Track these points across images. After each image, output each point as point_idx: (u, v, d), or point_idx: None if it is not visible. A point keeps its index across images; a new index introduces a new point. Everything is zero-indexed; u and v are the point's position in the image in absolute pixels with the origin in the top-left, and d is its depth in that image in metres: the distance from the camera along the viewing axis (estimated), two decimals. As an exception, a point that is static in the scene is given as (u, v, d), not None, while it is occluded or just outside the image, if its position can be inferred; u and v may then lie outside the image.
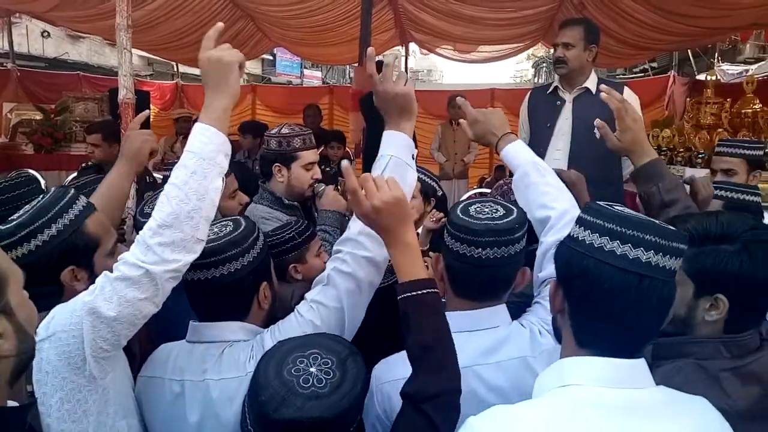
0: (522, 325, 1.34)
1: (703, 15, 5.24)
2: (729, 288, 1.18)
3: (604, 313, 0.94)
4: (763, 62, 10.59)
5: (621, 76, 13.62)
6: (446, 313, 1.29)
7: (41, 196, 1.41)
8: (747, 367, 1.18)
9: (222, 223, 1.41)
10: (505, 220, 1.27)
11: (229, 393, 1.24)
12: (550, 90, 3.26)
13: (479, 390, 1.25)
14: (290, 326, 1.32)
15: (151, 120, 7.10)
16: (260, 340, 1.31)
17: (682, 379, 1.17)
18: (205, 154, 1.23)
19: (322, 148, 5.27)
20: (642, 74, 12.49)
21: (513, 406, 0.95)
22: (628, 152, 1.88)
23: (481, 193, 4.84)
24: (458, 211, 1.32)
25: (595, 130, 3.04)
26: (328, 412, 0.99)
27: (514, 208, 1.33)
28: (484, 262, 1.26)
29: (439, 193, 2.73)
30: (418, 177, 2.69)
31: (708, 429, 0.96)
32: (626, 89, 3.11)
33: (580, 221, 0.98)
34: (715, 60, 11.87)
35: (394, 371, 1.28)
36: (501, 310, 1.34)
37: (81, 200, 1.43)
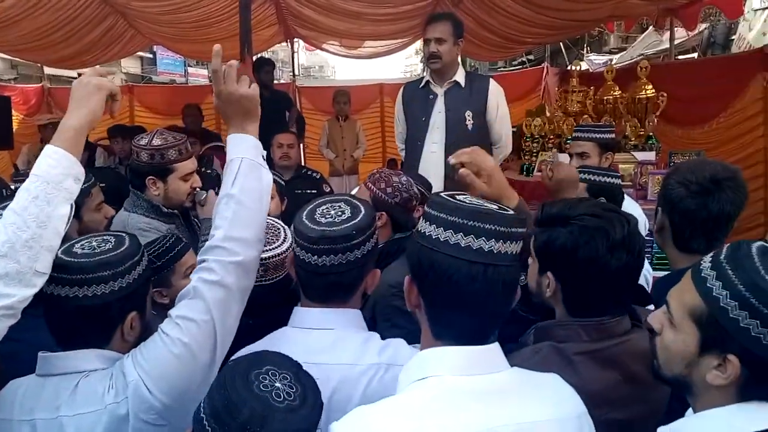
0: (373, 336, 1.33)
1: (568, 8, 5.60)
2: (558, 266, 1.24)
3: (455, 304, 0.96)
4: (624, 52, 11.55)
5: (502, 69, 14.32)
6: (295, 308, 1.33)
7: None
8: (605, 352, 1.21)
9: (103, 239, 1.30)
10: (344, 226, 1.25)
11: (86, 429, 1.14)
12: (422, 84, 3.36)
13: None
14: (154, 348, 1.22)
15: (14, 128, 6.52)
16: (120, 367, 1.21)
17: (538, 360, 1.21)
18: (51, 177, 1.14)
19: (204, 149, 5.07)
20: (520, 66, 13.21)
21: (375, 404, 0.95)
22: (498, 198, 1.96)
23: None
24: (303, 215, 1.30)
25: (468, 122, 3.19)
26: (305, 423, 0.97)
27: (362, 210, 1.30)
28: (321, 269, 1.25)
29: (327, 189, 2.72)
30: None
31: (561, 401, 1.00)
32: (491, 82, 3.28)
33: (426, 216, 1.00)
34: (584, 51, 12.81)
35: None
36: (345, 314, 1.32)
37: None
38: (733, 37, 8.82)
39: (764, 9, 8.03)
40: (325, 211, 1.29)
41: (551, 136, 4.83)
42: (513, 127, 6.04)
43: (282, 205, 2.68)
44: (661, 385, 1.11)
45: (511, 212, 0.98)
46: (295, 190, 3.07)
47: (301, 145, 6.31)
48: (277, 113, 5.48)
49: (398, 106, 3.52)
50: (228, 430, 0.98)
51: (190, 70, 21.59)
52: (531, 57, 13.65)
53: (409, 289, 1.03)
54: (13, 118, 6.40)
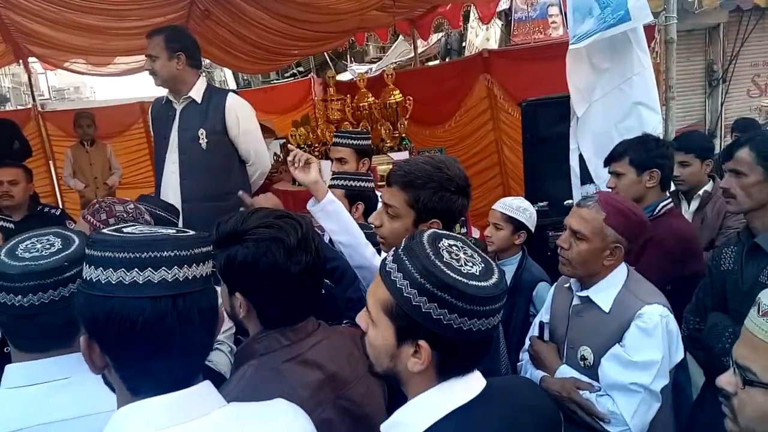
0: None
1: (318, 20, 5.81)
2: (244, 284, 1.23)
3: (149, 351, 0.86)
4: (381, 60, 12.47)
5: (275, 81, 14.40)
6: (7, 367, 1.14)
7: None
8: (307, 354, 1.24)
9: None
10: (54, 258, 1.12)
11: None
12: (165, 101, 3.19)
13: None
14: None
15: None
16: None
17: (245, 383, 1.18)
18: None
19: None
20: (292, 78, 13.42)
21: None
22: None
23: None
24: (2, 253, 1.13)
25: (201, 141, 3.06)
26: None
27: (75, 240, 1.19)
28: (28, 310, 1.10)
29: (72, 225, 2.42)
30: None
31: (285, 427, 0.98)
32: (230, 96, 3.20)
33: (89, 260, 0.87)
34: (348, 61, 13.53)
35: None
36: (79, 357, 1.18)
37: None
38: (464, 44, 10.09)
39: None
40: (29, 246, 1.15)
41: (317, 145, 4.98)
42: (283, 137, 6.18)
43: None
44: (367, 381, 1.17)
45: (191, 233, 0.92)
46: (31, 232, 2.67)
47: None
48: (4, 145, 4.73)
49: (148, 124, 3.34)
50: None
51: None
52: (301, 69, 13.96)
53: (89, 351, 0.89)
54: None
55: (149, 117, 3.37)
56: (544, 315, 2.13)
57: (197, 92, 3.11)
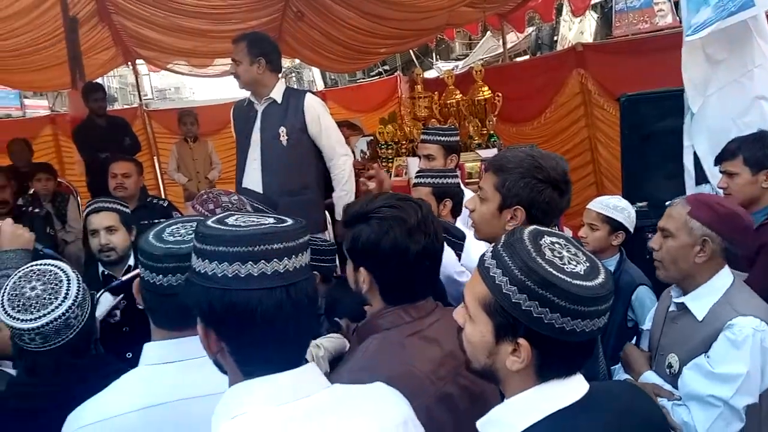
0: None
1: (407, 18, 5.86)
2: (367, 260, 1.29)
3: (265, 338, 0.90)
4: (468, 57, 12.33)
5: (361, 80, 14.65)
6: (145, 345, 1.22)
7: None
8: (427, 331, 1.28)
9: None
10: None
11: None
12: (247, 102, 3.37)
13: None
14: None
15: None
16: None
17: (370, 355, 1.24)
18: None
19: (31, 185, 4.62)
20: (378, 76, 13.60)
21: None
22: None
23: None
24: (150, 235, 1.21)
25: (282, 138, 3.23)
26: None
27: None
28: (167, 290, 1.16)
29: (178, 216, 2.60)
30: (115, 208, 2.54)
31: (384, 411, 0.99)
32: (308, 96, 3.36)
33: (199, 253, 0.90)
34: (434, 59, 13.50)
35: (81, 418, 1.16)
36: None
37: None
38: (556, 38, 9.77)
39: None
40: (174, 230, 1.22)
41: (404, 142, 5.00)
42: (370, 135, 6.27)
43: (131, 235, 2.56)
44: None
45: (290, 222, 0.95)
46: (140, 221, 2.87)
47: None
48: (113, 141, 5.12)
49: (232, 126, 3.54)
50: None
51: (27, 101, 19.56)
52: (387, 67, 14.12)
53: (206, 337, 0.93)
54: None
55: (231, 118, 3.55)
56: (647, 322, 2.05)
57: (278, 93, 3.28)
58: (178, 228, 1.23)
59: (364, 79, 14.91)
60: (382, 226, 1.25)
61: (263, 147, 3.26)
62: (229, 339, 0.91)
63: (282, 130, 3.23)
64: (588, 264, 0.97)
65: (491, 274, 0.97)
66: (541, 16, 6.32)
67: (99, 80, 7.37)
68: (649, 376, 1.83)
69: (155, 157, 8.15)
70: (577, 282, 0.93)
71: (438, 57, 13.56)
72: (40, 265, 1.50)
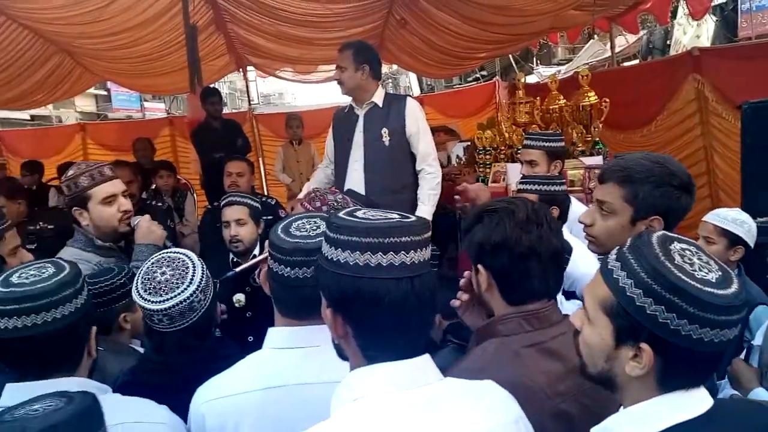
0: None
1: (510, 23, 5.77)
2: (483, 257, 1.31)
3: (389, 325, 0.94)
4: (571, 62, 11.93)
5: (458, 86, 14.60)
6: (269, 330, 1.32)
7: None
8: (549, 343, 1.25)
9: (37, 266, 1.30)
10: (318, 239, 1.25)
11: None
12: (347, 108, 3.54)
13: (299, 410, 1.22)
14: None
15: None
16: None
17: (487, 358, 1.24)
18: None
19: (154, 181, 5.01)
20: (474, 82, 13.48)
21: (309, 430, 0.94)
22: None
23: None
24: (278, 229, 1.31)
25: (384, 139, 3.38)
26: None
27: None
28: (294, 281, 1.25)
29: (283, 214, 2.75)
30: (245, 202, 2.69)
31: (495, 408, 1.01)
32: (408, 100, 3.53)
33: (333, 242, 0.96)
34: (534, 64, 13.18)
35: (209, 392, 1.27)
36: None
37: None
38: (669, 42, 9.20)
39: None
40: (300, 225, 1.32)
41: (503, 147, 4.94)
42: (468, 140, 6.23)
43: (259, 228, 2.74)
44: None
45: (414, 218, 0.99)
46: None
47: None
48: (229, 142, 5.48)
49: (330, 131, 3.72)
50: None
51: (147, 104, 21.34)
52: (484, 73, 13.97)
53: (334, 321, 0.99)
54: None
55: (332, 122, 3.73)
56: (758, 336, 1.97)
57: (379, 98, 3.45)
58: (303, 223, 1.31)
59: (460, 84, 14.84)
60: (493, 220, 1.28)
61: (366, 147, 3.41)
62: (356, 324, 0.97)
63: (384, 131, 3.39)
64: (720, 273, 0.93)
65: (615, 276, 0.95)
66: (657, 18, 5.98)
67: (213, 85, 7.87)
68: (760, 393, 1.74)
69: (260, 159, 8.58)
70: (708, 289, 0.89)
71: (538, 62, 13.23)
72: (171, 252, 1.63)
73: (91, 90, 14.26)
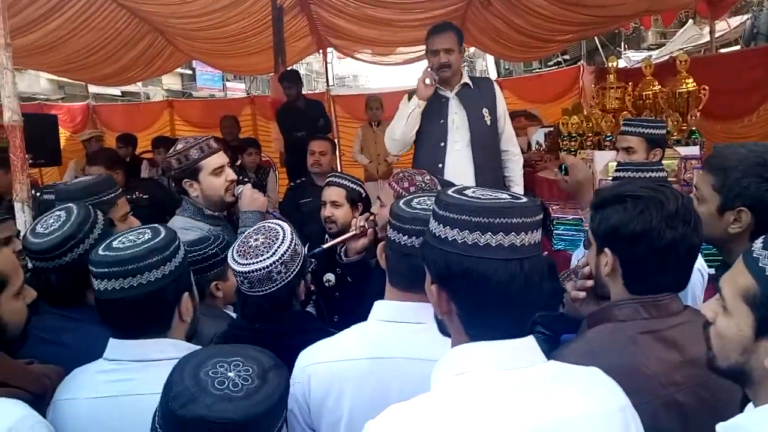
0: None
1: (603, 4, 5.50)
2: (615, 242, 1.24)
3: (495, 305, 0.93)
4: (663, 47, 11.26)
5: (537, 70, 14.16)
6: (376, 302, 1.33)
7: None
8: (666, 332, 1.21)
9: (138, 232, 1.37)
10: None
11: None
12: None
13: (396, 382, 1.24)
14: None
15: (62, 144, 6.79)
16: None
17: (600, 341, 1.22)
18: None
19: (240, 158, 5.18)
20: (556, 66, 13.03)
21: (409, 402, 0.94)
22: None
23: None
24: (401, 202, 1.34)
25: (486, 119, 3.36)
26: (238, 414, 0.95)
27: None
28: (409, 249, 1.27)
29: (363, 196, 2.75)
30: (343, 184, 2.70)
31: (601, 394, 0.97)
32: (494, 82, 3.58)
33: (442, 220, 0.94)
34: (621, 48, 12.55)
35: (315, 356, 1.31)
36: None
37: None
38: (777, 27, 8.50)
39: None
40: (421, 201, 1.35)
41: (589, 134, 4.74)
42: (550, 126, 6.03)
43: (356, 211, 2.67)
44: None
45: (526, 200, 0.95)
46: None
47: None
48: (311, 121, 5.57)
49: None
50: (160, 408, 1.01)
51: (228, 84, 22.07)
52: (567, 57, 13.47)
53: (438, 298, 0.98)
54: (60, 135, 6.68)
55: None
56: None
57: (467, 79, 3.43)
58: (425, 199, 1.34)
59: (540, 68, 14.39)
60: (637, 206, 1.21)
61: (471, 126, 3.37)
62: (461, 302, 0.95)
63: (485, 111, 3.38)
64: None
65: (761, 265, 0.90)
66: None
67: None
68: None
69: (336, 139, 8.69)
70: None
71: (626, 46, 12.59)
72: (271, 222, 1.67)
73: (178, 69, 14.85)
